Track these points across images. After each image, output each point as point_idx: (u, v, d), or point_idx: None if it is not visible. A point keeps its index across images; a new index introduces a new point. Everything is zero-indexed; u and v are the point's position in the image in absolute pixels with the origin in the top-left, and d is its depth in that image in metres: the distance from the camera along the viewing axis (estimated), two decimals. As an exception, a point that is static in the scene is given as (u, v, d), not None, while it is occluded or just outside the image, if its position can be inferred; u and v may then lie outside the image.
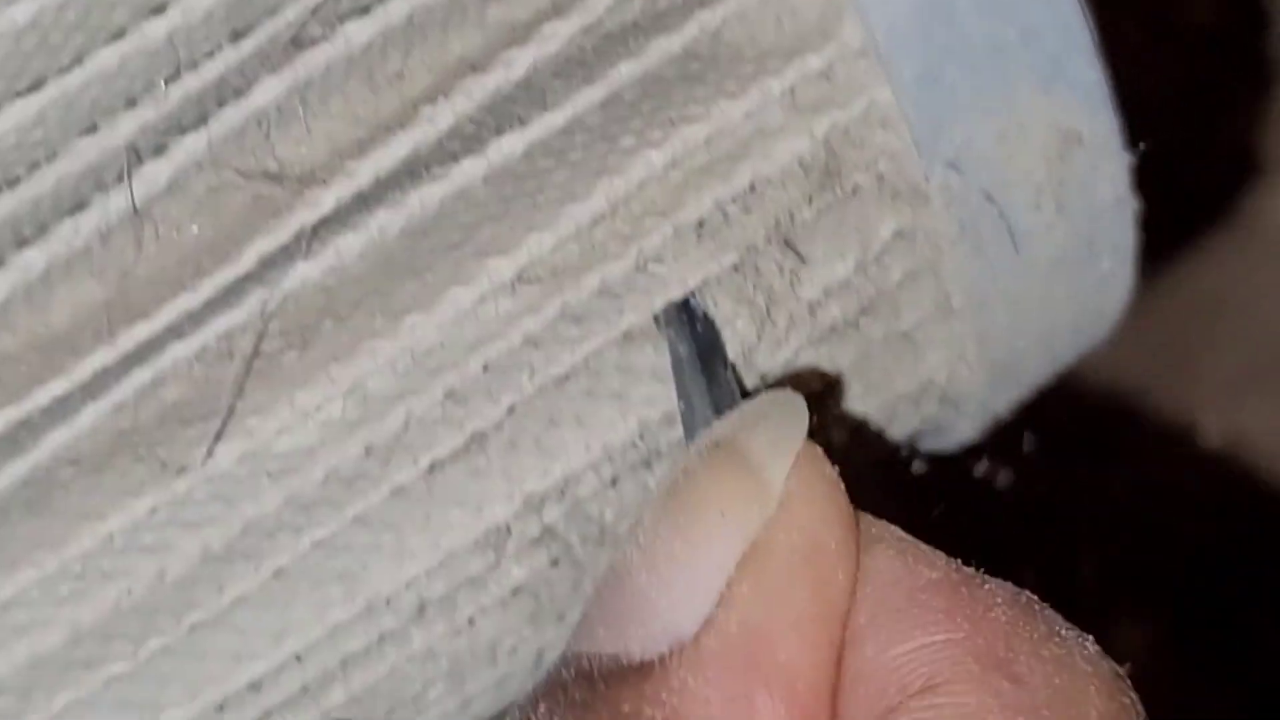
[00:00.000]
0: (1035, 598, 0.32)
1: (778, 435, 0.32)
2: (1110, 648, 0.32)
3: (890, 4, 0.35)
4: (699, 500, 0.32)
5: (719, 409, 0.34)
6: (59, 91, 0.32)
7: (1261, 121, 0.99)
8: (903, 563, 0.32)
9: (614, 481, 0.36)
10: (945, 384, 0.39)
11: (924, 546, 0.33)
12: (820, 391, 0.37)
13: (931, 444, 0.44)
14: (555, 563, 0.36)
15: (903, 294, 0.38)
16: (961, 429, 0.42)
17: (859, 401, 0.39)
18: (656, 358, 0.36)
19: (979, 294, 0.38)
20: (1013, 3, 0.36)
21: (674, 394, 0.36)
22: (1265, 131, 0.99)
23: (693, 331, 0.35)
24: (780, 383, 0.37)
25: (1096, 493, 0.87)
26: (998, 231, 0.37)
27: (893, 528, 0.33)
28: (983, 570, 0.33)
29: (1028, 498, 0.66)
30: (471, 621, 0.36)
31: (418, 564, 0.34)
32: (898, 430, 0.40)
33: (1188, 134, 0.96)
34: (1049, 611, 0.32)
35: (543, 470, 0.35)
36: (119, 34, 0.33)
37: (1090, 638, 0.32)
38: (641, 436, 0.36)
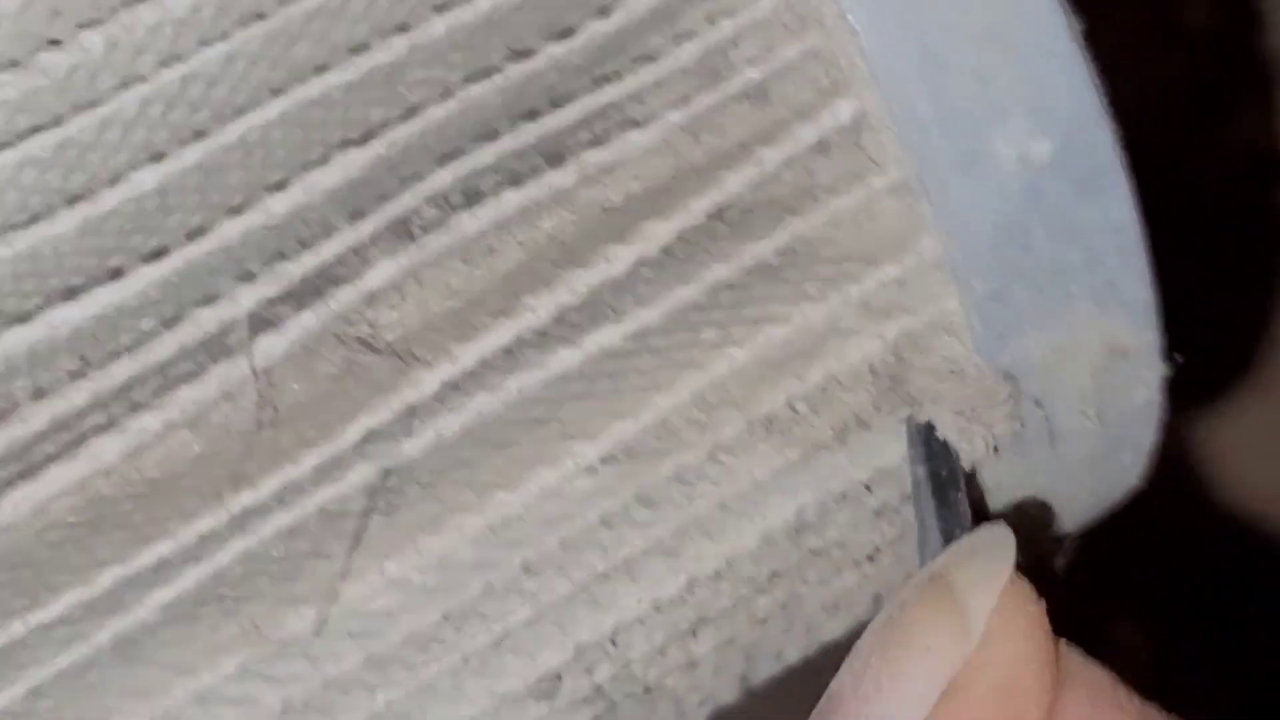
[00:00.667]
0: None
1: (984, 571, 0.35)
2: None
3: (971, 226, 0.37)
4: (908, 633, 0.34)
5: (948, 535, 0.37)
6: (182, 260, 0.34)
7: (1262, 122, 1.01)
8: (1091, 708, 0.35)
9: (662, 650, 0.38)
10: None
11: (1119, 690, 0.35)
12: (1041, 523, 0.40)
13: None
14: (598, 718, 0.38)
15: None
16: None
17: (892, 567, 0.41)
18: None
19: (1015, 486, 0.40)
20: (1081, 229, 0.38)
21: (722, 550, 0.38)
22: (1266, 132, 1.00)
23: (928, 453, 0.38)
24: (1002, 516, 0.39)
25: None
26: (1040, 434, 0.40)
27: (1091, 666, 0.36)
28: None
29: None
30: (518, 769, 0.38)
31: (472, 708, 0.37)
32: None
33: (1188, 134, 0.98)
34: None
35: (595, 621, 0.37)
36: (239, 207, 0.34)
37: None
38: (691, 591, 0.38)
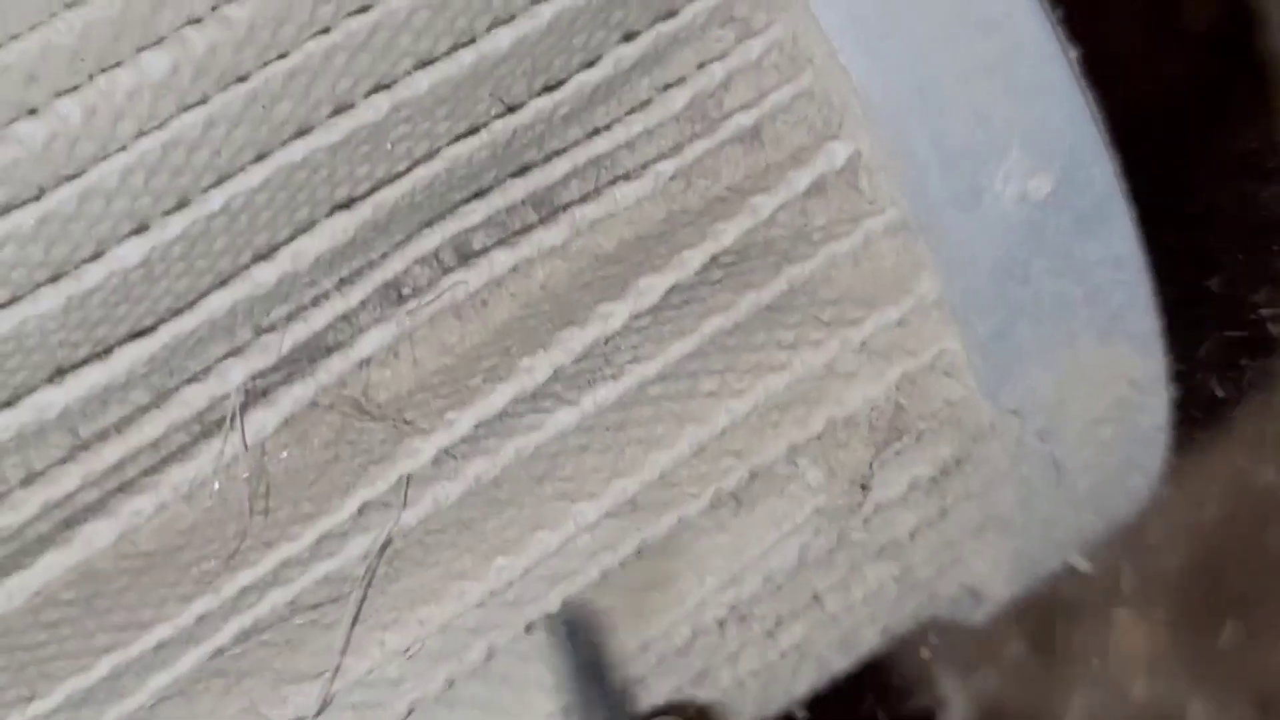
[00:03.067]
0: None
1: None
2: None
3: (971, 264, 0.38)
4: None
5: None
6: (169, 335, 0.34)
7: (1261, 122, 1.01)
8: None
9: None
10: (978, 585, 0.42)
11: None
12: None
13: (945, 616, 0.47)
14: None
15: (954, 514, 0.41)
16: (976, 615, 0.45)
17: (898, 602, 0.42)
18: None
19: (1023, 517, 0.41)
20: (1083, 264, 0.38)
21: (726, 597, 0.39)
22: (1265, 132, 1.01)
23: (576, 642, 0.38)
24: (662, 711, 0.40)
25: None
26: (1045, 469, 0.40)
27: None
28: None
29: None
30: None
31: None
32: (921, 615, 0.43)
33: (1188, 134, 0.98)
34: None
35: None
36: (225, 279, 0.34)
37: None
38: (695, 640, 0.39)
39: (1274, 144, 1.01)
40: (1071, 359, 0.39)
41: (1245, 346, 0.97)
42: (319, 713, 0.35)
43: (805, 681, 0.42)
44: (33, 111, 0.32)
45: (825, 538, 0.39)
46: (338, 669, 0.35)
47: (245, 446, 0.35)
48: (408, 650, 0.36)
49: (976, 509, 0.41)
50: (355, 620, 0.35)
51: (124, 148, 0.33)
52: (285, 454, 0.37)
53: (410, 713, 0.36)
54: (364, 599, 0.35)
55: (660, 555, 0.38)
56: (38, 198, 0.32)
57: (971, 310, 0.38)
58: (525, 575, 0.37)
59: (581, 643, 0.38)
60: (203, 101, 0.33)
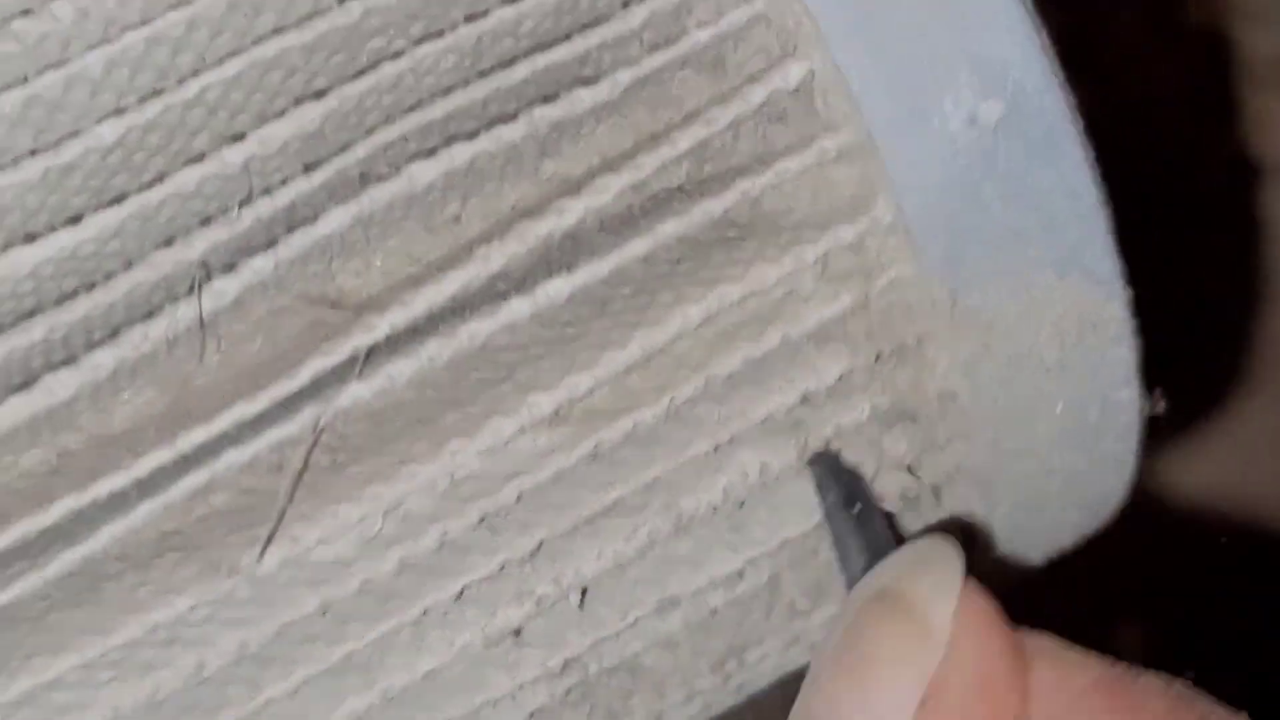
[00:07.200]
0: (1187, 687, 0.37)
1: (938, 579, 0.37)
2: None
3: (923, 187, 0.39)
4: (872, 650, 0.37)
5: (873, 554, 0.39)
6: (138, 206, 0.36)
7: (1261, 121, 1.02)
8: (1061, 672, 0.37)
9: (633, 620, 0.40)
10: None
11: (1078, 651, 0.38)
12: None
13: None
14: (569, 691, 0.41)
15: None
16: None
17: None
18: None
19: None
20: (1036, 193, 0.40)
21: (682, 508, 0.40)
22: (1265, 132, 1.02)
23: (838, 480, 0.40)
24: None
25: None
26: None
27: (1047, 638, 0.38)
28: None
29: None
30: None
31: (432, 659, 0.39)
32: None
33: (1188, 134, 0.99)
34: (1201, 701, 0.37)
35: (555, 575, 0.39)
36: (198, 158, 0.37)
37: (1244, 715, 0.37)
38: (652, 548, 0.40)
39: (1274, 144, 1.02)
40: (1027, 290, 0.40)
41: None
42: (266, 568, 0.37)
43: (779, 637, 0.44)
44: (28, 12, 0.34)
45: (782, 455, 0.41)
46: (280, 519, 0.37)
47: (201, 317, 0.37)
48: (360, 520, 0.38)
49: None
50: (303, 479, 0.37)
51: (110, 43, 0.35)
52: (257, 345, 0.39)
53: (361, 592, 0.38)
54: (308, 459, 0.37)
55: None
56: (24, 84, 0.35)
57: (924, 234, 0.40)
58: (480, 468, 0.38)
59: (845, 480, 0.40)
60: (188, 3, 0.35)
